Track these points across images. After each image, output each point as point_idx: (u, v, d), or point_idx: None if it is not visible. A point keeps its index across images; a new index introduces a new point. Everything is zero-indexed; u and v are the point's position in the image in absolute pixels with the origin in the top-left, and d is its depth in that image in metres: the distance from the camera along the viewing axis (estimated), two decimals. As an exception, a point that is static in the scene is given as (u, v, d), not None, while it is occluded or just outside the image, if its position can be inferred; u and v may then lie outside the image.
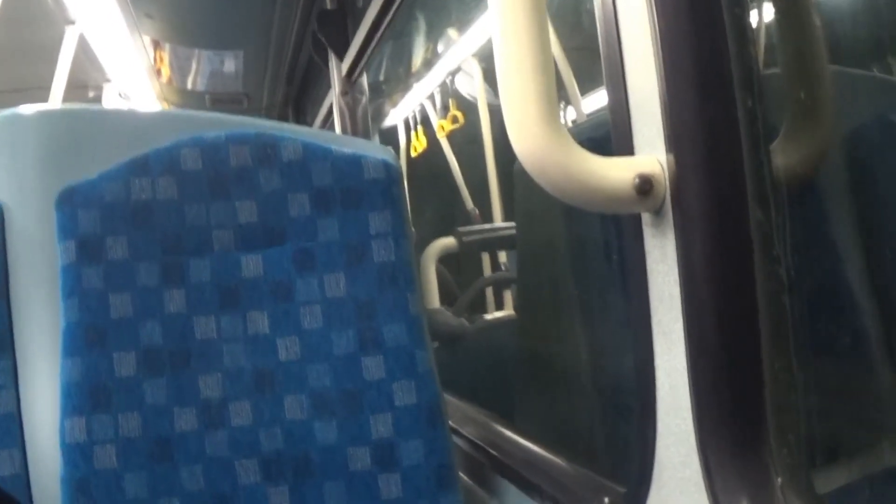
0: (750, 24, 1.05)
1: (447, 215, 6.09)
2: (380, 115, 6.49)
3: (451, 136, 5.67)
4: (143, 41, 4.85)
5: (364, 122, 3.78)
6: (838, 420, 1.24)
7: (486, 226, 4.70)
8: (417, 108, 5.97)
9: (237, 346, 1.56)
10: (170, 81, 5.59)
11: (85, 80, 5.55)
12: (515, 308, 3.83)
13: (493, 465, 1.88)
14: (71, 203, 1.55)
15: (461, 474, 1.70)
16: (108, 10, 4.31)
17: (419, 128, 5.91)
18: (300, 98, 6.06)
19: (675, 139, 1.03)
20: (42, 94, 4.72)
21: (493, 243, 4.10)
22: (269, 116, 6.16)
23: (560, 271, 2.09)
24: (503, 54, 1.03)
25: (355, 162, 1.62)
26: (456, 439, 1.96)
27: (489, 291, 5.13)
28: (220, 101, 5.78)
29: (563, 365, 2.06)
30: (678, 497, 1.11)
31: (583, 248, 1.93)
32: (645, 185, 1.04)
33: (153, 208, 1.57)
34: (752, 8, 1.11)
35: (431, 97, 5.72)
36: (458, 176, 5.82)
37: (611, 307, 1.77)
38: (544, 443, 1.75)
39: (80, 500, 1.47)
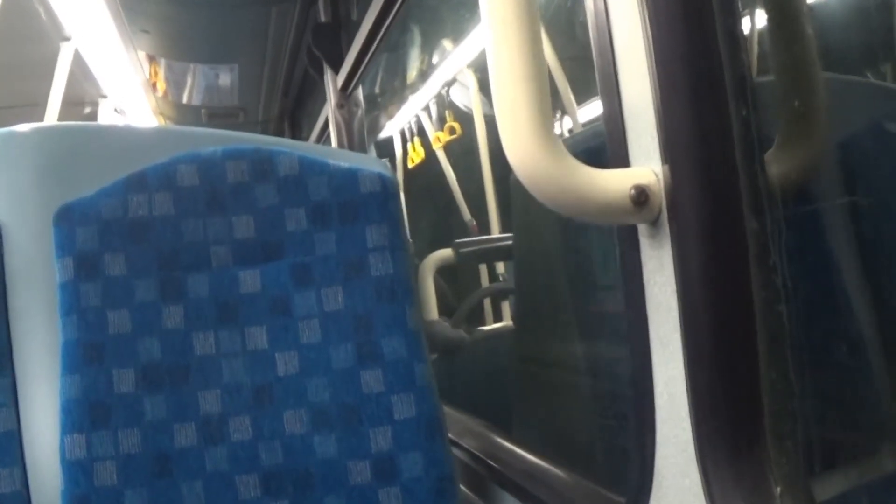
0: (742, 34, 1.05)
1: (444, 227, 6.10)
2: (376, 126, 6.50)
3: (447, 148, 5.68)
4: (138, 56, 4.85)
5: (360, 134, 3.79)
6: (836, 428, 1.24)
7: (484, 237, 4.71)
8: (413, 120, 5.98)
9: (236, 361, 1.56)
10: (165, 96, 5.59)
11: (81, 97, 5.56)
12: (513, 318, 3.83)
13: (492, 477, 1.88)
14: (68, 220, 1.55)
15: (461, 486, 1.70)
16: (103, 26, 4.31)
17: (416, 139, 5.92)
18: (296, 111, 6.07)
19: (670, 150, 1.03)
20: (37, 110, 4.72)
21: (491, 255, 4.10)
22: (265, 130, 6.16)
23: (558, 282, 2.09)
24: (497, 66, 1.04)
25: (352, 176, 1.62)
26: (456, 451, 1.96)
27: (487, 303, 5.13)
28: (216, 115, 5.78)
29: (562, 375, 2.07)
30: (678, 507, 1.11)
31: (580, 259, 1.94)
32: (641, 196, 1.04)
33: (150, 224, 1.57)
34: (745, 16, 1.11)
35: (427, 108, 5.73)
36: (454, 187, 5.83)
37: (608, 317, 1.78)
38: (543, 453, 1.75)
39: None
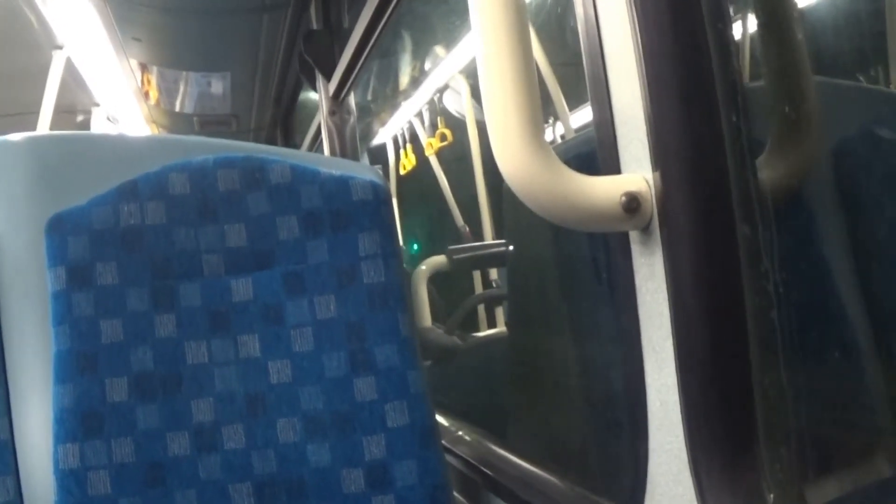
0: (733, 39, 1.05)
1: (437, 233, 6.10)
2: (369, 133, 6.50)
3: (440, 154, 5.68)
4: (130, 64, 4.84)
5: (352, 141, 3.78)
6: (829, 434, 1.24)
7: (477, 244, 4.71)
8: (406, 127, 5.98)
9: (229, 369, 1.56)
10: (158, 104, 5.58)
11: (73, 105, 5.55)
12: (507, 325, 3.83)
13: (486, 484, 1.88)
14: (60, 230, 1.55)
15: (455, 494, 1.70)
16: (95, 34, 4.30)
17: (408, 146, 5.92)
18: (288, 119, 6.06)
19: (661, 156, 1.03)
20: (30, 119, 4.71)
21: (484, 261, 4.09)
22: (257, 138, 6.15)
23: (550, 288, 2.09)
24: (487, 72, 1.04)
25: (343, 184, 1.62)
26: (449, 458, 1.96)
27: (481, 309, 5.13)
28: (209, 123, 5.76)
29: (555, 382, 2.06)
30: (671, 513, 1.11)
31: (572, 266, 1.93)
32: (632, 203, 1.04)
33: (142, 233, 1.57)
34: (736, 21, 1.11)
35: (420, 115, 5.73)
36: (447, 193, 5.82)
37: (601, 324, 1.78)
38: (537, 460, 1.74)
39: None
